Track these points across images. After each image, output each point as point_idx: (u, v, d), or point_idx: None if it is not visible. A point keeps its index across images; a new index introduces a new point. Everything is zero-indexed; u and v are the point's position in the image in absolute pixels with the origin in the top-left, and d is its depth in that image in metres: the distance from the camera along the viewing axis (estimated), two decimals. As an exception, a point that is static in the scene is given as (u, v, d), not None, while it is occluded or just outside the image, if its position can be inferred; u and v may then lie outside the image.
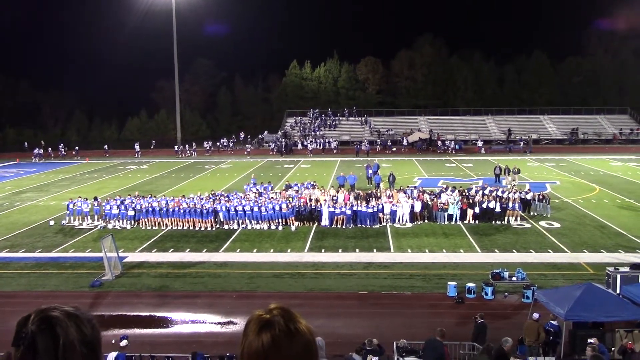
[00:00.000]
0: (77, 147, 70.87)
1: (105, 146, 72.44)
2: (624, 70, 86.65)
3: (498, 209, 32.31)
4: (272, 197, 33.92)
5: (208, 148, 71.59)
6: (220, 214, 32.18)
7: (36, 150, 68.18)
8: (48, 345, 1.91)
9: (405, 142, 71.47)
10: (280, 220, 31.85)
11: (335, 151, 70.34)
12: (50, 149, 69.95)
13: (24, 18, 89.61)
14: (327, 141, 73.74)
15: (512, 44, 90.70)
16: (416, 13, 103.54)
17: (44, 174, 54.80)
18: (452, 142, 70.75)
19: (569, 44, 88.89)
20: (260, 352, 2.00)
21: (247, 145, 71.68)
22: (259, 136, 79.55)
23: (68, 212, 33.59)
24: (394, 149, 70.13)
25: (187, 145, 71.61)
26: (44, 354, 1.91)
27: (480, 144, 70.16)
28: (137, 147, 70.64)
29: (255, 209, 32.00)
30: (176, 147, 71.91)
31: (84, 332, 1.98)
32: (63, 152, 70.10)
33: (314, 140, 75.40)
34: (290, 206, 32.33)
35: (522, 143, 70.15)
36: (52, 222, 33.73)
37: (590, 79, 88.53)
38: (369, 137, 75.35)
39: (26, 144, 75.04)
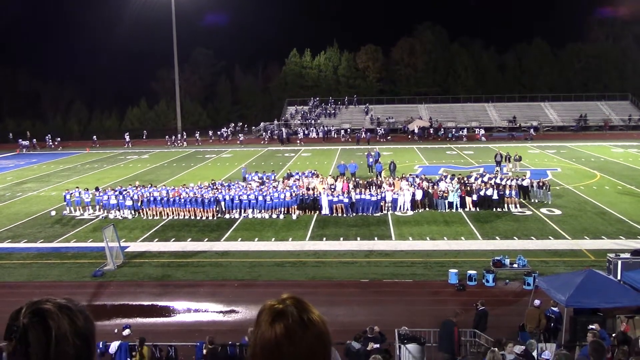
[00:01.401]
0: (58, 139, 70.45)
1: (94, 137, 72.10)
2: (625, 56, 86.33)
3: (495, 197, 32.31)
4: (275, 186, 33.99)
5: (198, 138, 71.46)
6: (223, 203, 32.21)
7: (21, 141, 68.11)
8: (40, 338, 1.90)
9: (415, 130, 70.90)
10: (282, 209, 31.90)
11: (343, 139, 70.00)
12: (35, 140, 69.81)
13: (23, 7, 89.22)
14: (327, 129, 73.61)
15: (512, 30, 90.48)
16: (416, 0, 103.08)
17: (45, 165, 54.80)
18: (451, 131, 70.67)
19: (570, 30, 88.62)
20: (273, 342, 1.98)
21: (239, 135, 71.59)
22: (253, 128, 79.26)
23: (65, 202, 33.61)
24: (388, 137, 69.78)
25: (178, 135, 71.40)
26: (36, 346, 1.89)
27: (479, 131, 69.95)
28: (127, 137, 70.61)
29: (260, 198, 32.05)
30: (167, 137, 71.42)
31: (77, 324, 1.96)
32: (50, 144, 69.73)
33: (314, 129, 75.31)
34: (294, 195, 32.37)
35: (531, 130, 70.12)
36: (53, 213, 33.76)
37: (591, 65, 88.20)
38: (368, 126, 75.29)
39: (10, 135, 74.65)
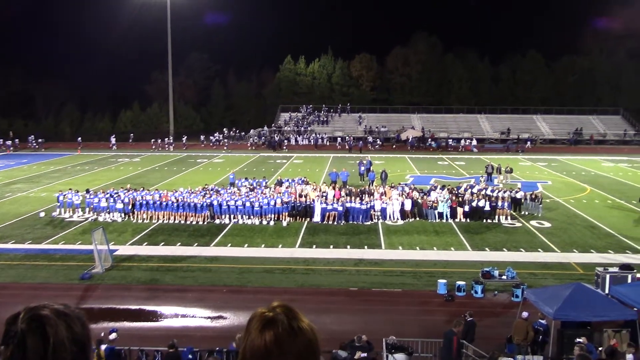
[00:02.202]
0: (40, 140, 69.60)
1: (79, 138, 71.15)
2: (618, 70, 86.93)
3: (487, 208, 32.40)
4: (265, 193, 33.95)
5: (184, 142, 71.30)
6: (211, 208, 32.11)
7: (1, 141, 67.79)
8: (38, 344, 1.90)
9: (410, 139, 70.98)
10: (272, 216, 31.84)
11: (339, 147, 70.03)
12: (17, 140, 69.36)
13: (17, 7, 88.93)
14: (320, 137, 73.72)
15: (507, 42, 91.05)
16: (411, 10, 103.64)
17: (35, 165, 54.52)
18: (446, 141, 71.06)
19: (564, 43, 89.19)
20: (263, 349, 2.00)
21: (225, 140, 71.31)
22: (243, 133, 79.05)
23: (58, 204, 33.44)
24: (376, 146, 69.92)
25: (165, 139, 70.78)
26: (33, 353, 1.89)
27: (467, 142, 70.41)
28: (112, 140, 70.31)
29: (248, 204, 31.98)
30: (152, 141, 70.44)
31: (74, 331, 1.96)
32: (35, 145, 68.90)
33: (307, 135, 75.42)
34: (285, 202, 32.31)
35: (529, 142, 70.69)
36: (42, 214, 33.55)
37: (584, 78, 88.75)
38: (359, 135, 75.43)
39: None
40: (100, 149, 68.94)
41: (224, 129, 77.55)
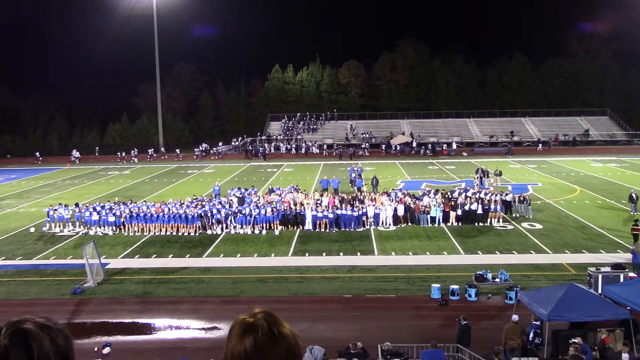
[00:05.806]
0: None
1: (37, 153, 70.56)
2: (603, 71, 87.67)
3: (480, 211, 32.48)
4: (256, 202, 33.91)
5: (150, 154, 71.34)
6: (204, 219, 32.01)
7: None
8: (22, 359, 1.87)
9: (414, 145, 71.32)
10: (264, 225, 31.79)
11: (335, 154, 69.92)
12: None
13: (2, 21, 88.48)
14: (308, 145, 73.81)
15: (493, 46, 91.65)
16: (397, 16, 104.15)
17: (25, 181, 54.18)
18: (441, 145, 71.44)
19: (550, 46, 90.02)
20: (243, 355, 1.99)
21: (195, 150, 71.17)
22: (236, 142, 78.99)
23: (48, 219, 33.21)
24: (360, 154, 70.10)
25: (132, 152, 70.03)
26: None
27: (445, 147, 70.90)
28: (76, 154, 69.77)
29: (240, 215, 31.90)
30: (118, 154, 69.77)
31: (58, 344, 1.94)
32: None
33: (295, 144, 75.57)
34: (275, 210, 32.28)
35: (540, 144, 71.29)
36: (32, 229, 33.34)
37: (570, 80, 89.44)
38: (347, 142, 75.61)
39: None
40: (63, 162, 67.78)
41: (215, 139, 77.37)
